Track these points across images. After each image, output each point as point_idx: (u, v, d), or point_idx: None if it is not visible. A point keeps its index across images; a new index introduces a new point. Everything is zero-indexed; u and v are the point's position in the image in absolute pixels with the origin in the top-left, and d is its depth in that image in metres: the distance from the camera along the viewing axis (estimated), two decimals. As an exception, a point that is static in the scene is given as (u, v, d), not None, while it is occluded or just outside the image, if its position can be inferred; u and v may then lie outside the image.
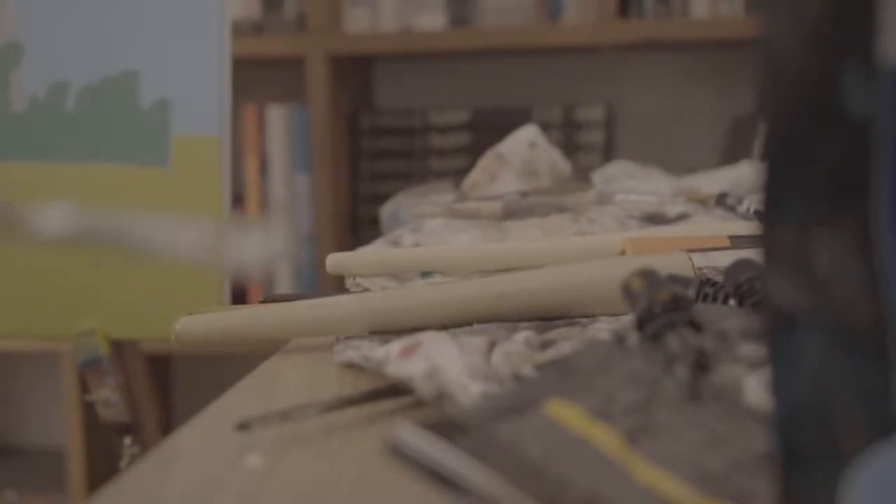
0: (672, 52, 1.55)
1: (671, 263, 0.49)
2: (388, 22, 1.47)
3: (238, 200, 1.49)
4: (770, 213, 0.24)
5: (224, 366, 1.64)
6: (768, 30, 0.25)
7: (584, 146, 1.50)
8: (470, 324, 0.47)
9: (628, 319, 0.45)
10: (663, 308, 0.33)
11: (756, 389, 0.30)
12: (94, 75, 0.83)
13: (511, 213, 0.88)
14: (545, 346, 0.42)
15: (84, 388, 1.47)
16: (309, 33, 1.44)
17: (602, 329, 0.44)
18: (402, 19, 1.47)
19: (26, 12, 0.84)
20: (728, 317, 0.37)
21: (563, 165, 0.93)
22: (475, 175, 0.94)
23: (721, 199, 0.79)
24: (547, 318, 0.47)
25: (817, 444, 0.24)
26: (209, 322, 0.47)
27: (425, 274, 0.60)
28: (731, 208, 0.79)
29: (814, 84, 0.24)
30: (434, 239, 0.74)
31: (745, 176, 0.82)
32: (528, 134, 0.94)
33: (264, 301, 0.51)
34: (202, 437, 0.38)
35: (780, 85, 0.25)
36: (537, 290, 0.47)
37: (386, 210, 1.12)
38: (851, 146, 0.24)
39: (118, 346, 0.96)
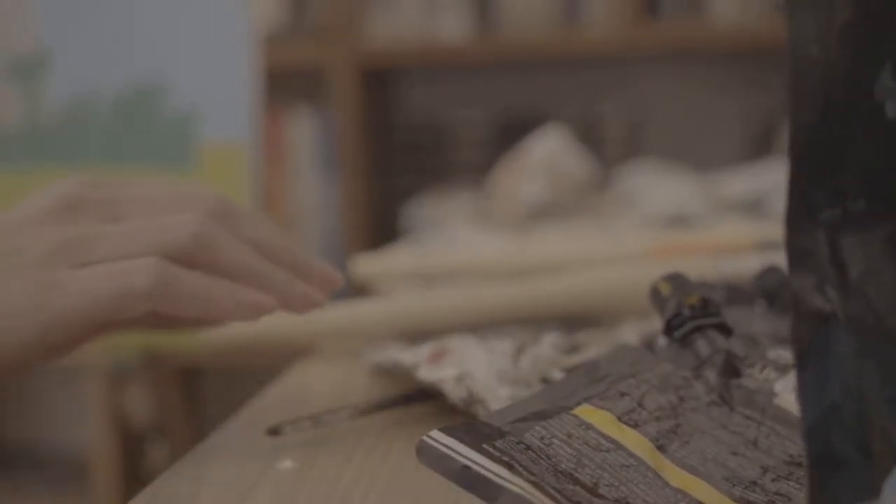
0: (697, 59, 1.54)
1: (698, 267, 0.49)
2: (412, 28, 1.47)
3: (265, 208, 1.50)
4: (799, 216, 0.24)
5: (255, 376, 1.65)
6: (797, 33, 0.25)
7: (608, 148, 1.50)
8: (497, 326, 0.47)
9: (655, 323, 0.45)
10: (692, 312, 0.33)
11: (787, 393, 0.30)
12: (122, 84, 0.84)
13: (535, 215, 0.88)
14: (573, 349, 0.42)
15: (114, 397, 1.49)
16: (333, 41, 1.45)
17: (628, 332, 0.44)
18: (426, 25, 1.47)
19: (55, 21, 0.85)
20: (758, 320, 0.37)
21: (587, 167, 0.93)
22: (499, 177, 0.94)
23: (748, 201, 0.78)
24: (573, 320, 0.47)
25: (849, 449, 0.24)
26: (238, 327, 0.47)
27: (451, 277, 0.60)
28: (759, 210, 0.78)
29: (846, 85, 0.24)
30: (459, 242, 0.74)
31: (773, 177, 0.82)
32: (552, 135, 0.94)
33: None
34: (234, 441, 0.38)
35: (810, 87, 0.25)
36: (563, 293, 0.47)
37: (410, 214, 1.13)
38: (886, 147, 0.24)
39: (149, 356, 0.97)
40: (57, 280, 0.34)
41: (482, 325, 0.47)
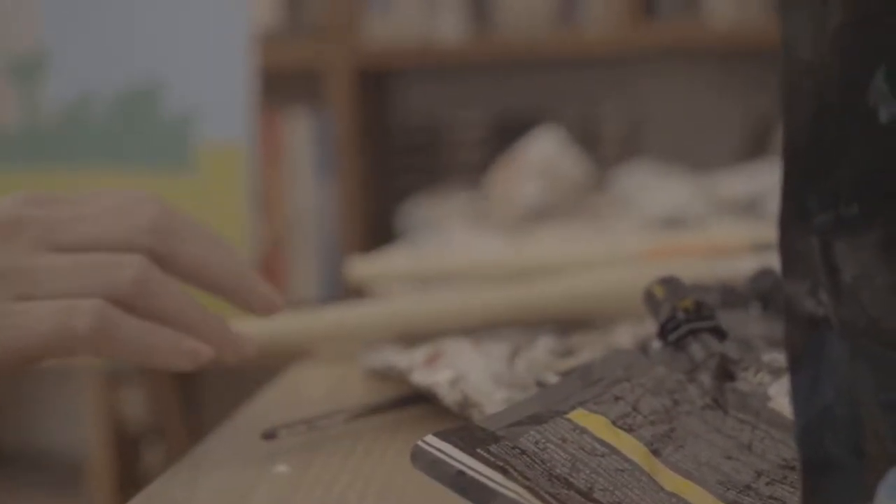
0: (694, 59, 1.54)
1: (694, 269, 0.49)
2: (410, 28, 1.47)
3: (262, 208, 1.50)
4: (792, 220, 0.24)
5: (251, 378, 1.64)
6: (790, 36, 0.25)
7: (606, 149, 1.50)
8: (492, 329, 0.47)
9: (650, 326, 0.45)
10: (686, 315, 0.33)
11: (781, 397, 0.30)
12: (121, 84, 0.84)
13: (532, 216, 0.88)
14: (568, 353, 0.42)
15: (110, 398, 1.49)
16: (331, 42, 1.45)
17: (623, 335, 0.44)
18: (423, 26, 1.47)
19: (55, 22, 0.85)
20: (752, 323, 0.37)
21: (584, 168, 0.93)
22: (495, 179, 0.94)
23: (746, 201, 0.78)
24: (568, 323, 0.47)
25: (843, 452, 0.24)
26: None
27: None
28: (757, 211, 0.78)
29: (839, 89, 0.24)
30: (455, 244, 0.74)
31: (770, 177, 0.82)
32: (548, 136, 0.94)
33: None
34: (229, 445, 0.38)
35: (803, 91, 0.25)
36: (559, 296, 0.47)
37: (406, 214, 1.13)
38: (878, 151, 0.24)
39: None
40: None
41: (478, 328, 0.47)
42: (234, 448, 0.37)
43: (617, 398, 0.30)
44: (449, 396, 0.37)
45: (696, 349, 0.32)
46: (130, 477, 1.50)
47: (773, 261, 0.51)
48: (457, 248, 0.72)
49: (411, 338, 0.47)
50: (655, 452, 0.28)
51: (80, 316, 0.34)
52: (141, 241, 0.36)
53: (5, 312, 0.34)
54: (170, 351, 0.35)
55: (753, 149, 1.48)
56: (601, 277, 0.48)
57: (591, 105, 1.56)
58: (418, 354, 0.42)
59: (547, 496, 0.26)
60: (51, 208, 0.36)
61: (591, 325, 0.48)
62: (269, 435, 0.36)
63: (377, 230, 1.53)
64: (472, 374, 0.38)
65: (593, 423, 0.29)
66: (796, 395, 0.24)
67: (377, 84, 1.57)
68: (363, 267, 0.61)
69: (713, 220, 0.76)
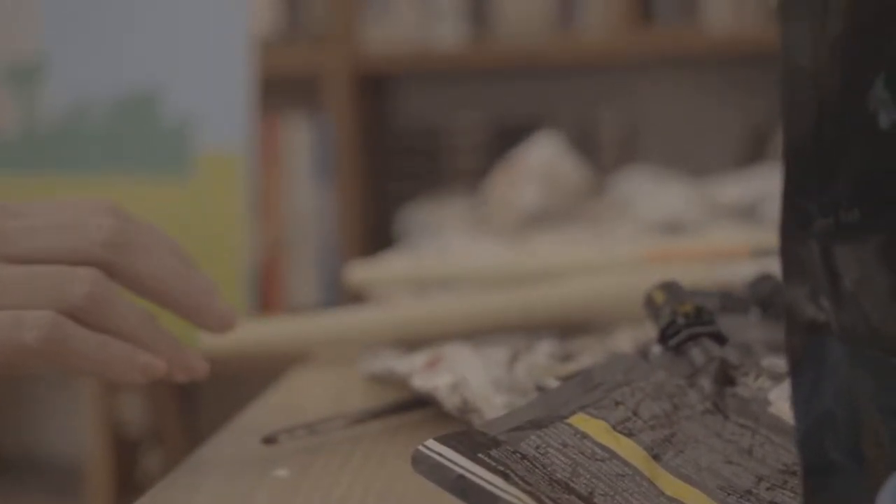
0: (692, 65, 1.54)
1: (693, 274, 0.49)
2: (409, 33, 1.48)
3: (260, 214, 1.50)
4: (793, 226, 0.25)
5: (250, 382, 1.64)
6: (790, 44, 0.25)
7: (604, 154, 1.50)
8: (492, 334, 0.47)
9: (650, 331, 0.45)
10: (686, 320, 0.33)
11: (781, 402, 0.30)
12: (119, 89, 0.84)
13: (531, 221, 0.88)
14: (567, 357, 0.42)
15: (108, 403, 1.48)
16: (330, 47, 1.45)
17: (623, 340, 0.44)
18: (422, 31, 1.47)
19: (54, 27, 0.85)
20: (752, 328, 0.37)
21: (583, 173, 0.93)
22: (494, 184, 0.94)
23: (744, 207, 0.79)
24: (568, 328, 0.47)
25: (843, 456, 0.24)
26: (232, 335, 0.47)
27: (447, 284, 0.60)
28: (755, 216, 0.78)
29: (839, 96, 0.24)
30: (454, 248, 0.74)
31: (768, 182, 0.82)
32: (547, 142, 0.94)
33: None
34: (229, 449, 0.38)
35: (803, 98, 0.25)
36: (558, 300, 0.47)
37: (406, 219, 1.13)
38: (878, 157, 0.24)
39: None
40: None
41: (478, 333, 0.47)
42: (235, 452, 0.37)
43: (617, 403, 0.30)
44: (449, 401, 0.37)
45: (696, 354, 0.32)
46: (129, 481, 1.50)
47: (773, 266, 0.51)
48: (456, 253, 0.72)
49: (411, 342, 0.47)
50: (656, 457, 0.28)
51: (30, 328, 0.33)
52: (96, 253, 0.35)
53: None
54: (123, 364, 0.35)
55: (751, 154, 1.48)
56: (601, 282, 0.48)
57: (589, 110, 1.56)
58: (418, 359, 0.42)
59: (548, 500, 0.26)
60: (6, 219, 0.36)
61: (590, 329, 0.48)
62: (270, 439, 0.36)
63: (376, 235, 1.53)
64: (472, 378, 0.38)
65: (594, 427, 0.29)
66: (797, 400, 0.24)
67: (376, 89, 1.57)
68: (362, 271, 0.61)
69: (712, 225, 0.76)
